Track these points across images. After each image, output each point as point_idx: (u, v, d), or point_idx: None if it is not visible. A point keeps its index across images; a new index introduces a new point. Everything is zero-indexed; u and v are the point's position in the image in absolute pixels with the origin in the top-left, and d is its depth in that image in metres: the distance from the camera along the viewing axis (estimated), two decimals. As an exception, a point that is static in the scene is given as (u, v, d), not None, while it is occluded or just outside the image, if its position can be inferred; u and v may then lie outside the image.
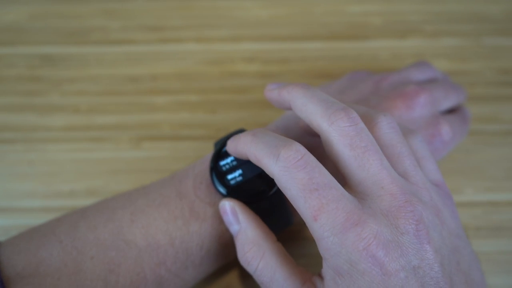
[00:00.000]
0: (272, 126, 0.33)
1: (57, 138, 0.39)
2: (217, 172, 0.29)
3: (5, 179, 0.38)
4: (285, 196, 0.29)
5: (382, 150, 0.26)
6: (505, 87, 0.41)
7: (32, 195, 0.37)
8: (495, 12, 0.45)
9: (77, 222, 0.28)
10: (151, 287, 0.27)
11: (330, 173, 0.24)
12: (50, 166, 0.38)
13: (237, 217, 0.28)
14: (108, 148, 0.39)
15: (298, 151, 0.24)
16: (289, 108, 0.28)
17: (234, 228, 0.28)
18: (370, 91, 0.35)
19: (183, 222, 0.28)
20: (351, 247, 0.22)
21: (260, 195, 0.28)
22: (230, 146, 0.28)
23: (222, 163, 0.29)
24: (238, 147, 0.27)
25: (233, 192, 0.28)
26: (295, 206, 0.24)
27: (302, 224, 0.35)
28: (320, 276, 0.25)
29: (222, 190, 0.28)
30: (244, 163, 0.29)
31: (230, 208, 0.28)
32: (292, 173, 0.24)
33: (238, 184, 0.29)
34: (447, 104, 0.35)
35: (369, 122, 0.26)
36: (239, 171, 0.29)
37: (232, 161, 0.29)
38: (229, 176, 0.29)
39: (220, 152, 0.29)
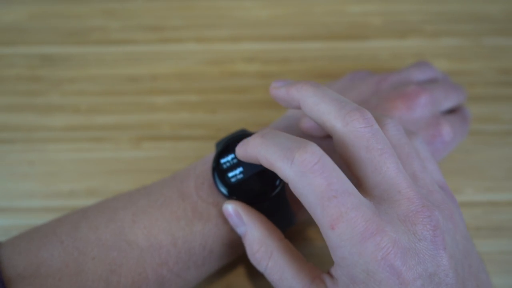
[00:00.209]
0: (273, 126, 0.33)
1: (57, 138, 0.39)
2: (219, 173, 0.29)
3: (5, 179, 0.38)
4: (288, 197, 0.29)
5: None
6: (505, 87, 0.41)
7: (32, 195, 0.37)
8: (495, 12, 0.45)
9: (78, 223, 0.28)
10: (152, 287, 0.27)
11: None
12: (50, 166, 0.38)
13: (241, 219, 0.28)
14: (108, 148, 0.39)
15: (314, 153, 0.23)
16: (297, 107, 0.27)
17: (240, 229, 0.28)
18: (370, 91, 0.35)
19: (186, 222, 0.28)
20: (369, 257, 0.22)
21: (263, 196, 0.28)
22: (240, 152, 0.27)
23: (223, 161, 0.29)
24: (248, 151, 0.26)
25: (235, 191, 0.28)
26: (310, 213, 0.23)
27: (303, 224, 0.35)
28: (329, 274, 0.25)
29: (224, 190, 0.28)
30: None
31: (233, 211, 0.28)
32: (309, 178, 0.22)
33: (239, 182, 0.29)
34: (447, 104, 0.35)
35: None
36: (239, 169, 0.29)
37: (232, 158, 0.29)
38: (230, 174, 0.29)
39: (221, 153, 0.29)
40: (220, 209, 0.29)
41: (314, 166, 0.23)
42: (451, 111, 0.37)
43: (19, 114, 0.40)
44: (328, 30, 0.44)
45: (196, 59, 0.43)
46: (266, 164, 0.25)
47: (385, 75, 0.36)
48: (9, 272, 0.26)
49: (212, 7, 0.45)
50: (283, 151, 0.23)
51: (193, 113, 0.41)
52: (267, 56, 0.43)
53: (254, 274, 0.34)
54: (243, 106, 0.41)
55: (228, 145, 0.29)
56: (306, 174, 0.23)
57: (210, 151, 0.37)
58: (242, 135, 0.30)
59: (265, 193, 0.28)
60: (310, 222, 0.36)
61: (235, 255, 0.31)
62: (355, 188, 0.23)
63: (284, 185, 0.29)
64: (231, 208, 0.28)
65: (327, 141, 0.32)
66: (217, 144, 0.30)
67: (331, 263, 0.26)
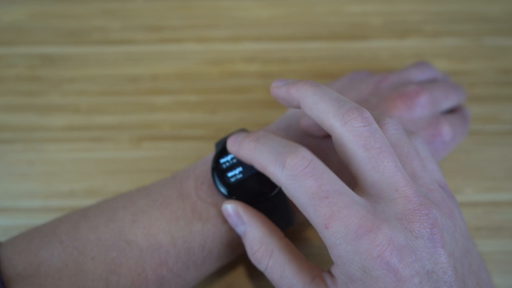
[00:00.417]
0: (273, 126, 0.33)
1: (57, 138, 0.39)
2: (218, 173, 0.29)
3: (5, 179, 0.38)
4: (287, 197, 0.29)
5: None
6: (505, 87, 0.41)
7: (32, 195, 0.37)
8: (495, 12, 0.45)
9: (78, 223, 0.28)
10: (152, 287, 0.27)
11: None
12: (50, 166, 0.38)
13: (241, 218, 0.28)
14: (108, 148, 0.39)
15: (304, 157, 0.23)
16: (297, 106, 0.27)
17: (240, 229, 0.28)
18: (370, 91, 0.35)
19: (186, 222, 0.28)
20: (365, 254, 0.22)
21: (262, 196, 0.28)
22: (232, 147, 0.28)
23: (222, 160, 0.29)
24: (241, 152, 0.26)
25: (234, 191, 0.28)
26: (305, 214, 0.24)
27: (302, 225, 0.35)
28: (329, 273, 0.25)
29: (223, 190, 0.28)
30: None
31: (232, 210, 0.28)
32: (300, 181, 0.23)
33: (239, 182, 0.29)
34: (447, 104, 0.35)
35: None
36: (239, 169, 0.29)
37: (232, 158, 0.29)
38: (229, 174, 0.29)
39: (221, 153, 0.29)
40: (219, 209, 0.29)
41: (305, 170, 0.23)
42: (451, 111, 0.37)
43: (19, 114, 0.40)
44: (328, 30, 0.44)
45: (196, 59, 0.43)
46: (259, 168, 0.25)
47: (385, 75, 0.36)
48: (9, 272, 0.26)
49: (212, 7, 0.45)
50: (274, 156, 0.24)
51: (193, 113, 0.41)
52: (267, 56, 0.43)
53: (254, 274, 0.34)
54: (243, 106, 0.41)
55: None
56: (297, 178, 0.23)
57: (210, 151, 0.37)
58: (242, 135, 0.30)
59: (264, 193, 0.28)
60: (308, 222, 0.36)
61: (235, 255, 0.31)
62: (347, 188, 0.23)
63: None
64: (230, 208, 0.28)
65: (327, 140, 0.32)
66: (217, 144, 0.30)
67: (330, 263, 0.26)
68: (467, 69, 0.42)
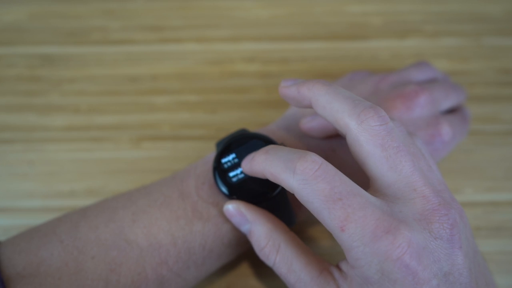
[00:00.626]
0: (273, 126, 0.33)
1: (57, 138, 0.39)
2: (220, 172, 0.29)
3: (5, 179, 0.38)
4: (288, 197, 0.29)
5: None
6: (505, 87, 0.41)
7: (32, 195, 0.37)
8: (495, 12, 0.45)
9: (78, 222, 0.28)
10: (152, 286, 0.27)
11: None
12: (50, 166, 0.38)
13: (244, 217, 0.28)
14: (108, 148, 0.39)
15: (314, 161, 0.23)
16: (308, 106, 0.27)
17: (245, 228, 0.28)
18: (369, 91, 0.35)
19: (186, 222, 0.28)
20: (384, 256, 0.22)
21: (263, 195, 0.28)
22: (246, 167, 0.27)
23: (224, 160, 0.29)
24: (254, 167, 0.26)
25: (236, 191, 0.28)
26: (319, 219, 0.23)
27: (304, 224, 0.35)
28: (338, 267, 0.25)
29: (225, 190, 0.28)
30: None
31: (235, 210, 0.28)
32: (312, 185, 0.23)
33: (240, 182, 0.29)
34: (447, 104, 0.35)
35: None
36: (240, 169, 0.29)
37: (233, 158, 0.29)
38: (231, 174, 0.29)
39: (222, 152, 0.29)
40: (220, 209, 0.29)
41: (316, 173, 0.23)
42: (451, 111, 0.37)
43: (19, 114, 0.40)
44: (328, 30, 0.44)
45: (196, 59, 0.43)
46: (272, 178, 0.25)
47: (385, 75, 0.36)
48: (8, 271, 0.26)
49: (212, 7, 0.45)
50: (285, 163, 0.24)
51: (193, 113, 0.41)
52: (267, 56, 0.43)
53: (254, 274, 0.34)
54: (243, 106, 0.41)
55: (229, 144, 0.29)
56: (309, 182, 0.23)
57: (210, 151, 0.37)
58: (242, 134, 0.30)
59: (266, 192, 0.28)
60: (310, 222, 0.36)
61: (235, 254, 0.31)
62: (361, 189, 0.23)
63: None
64: (232, 207, 0.28)
65: (327, 141, 0.32)
66: (218, 144, 0.30)
67: (333, 262, 0.26)
68: (467, 69, 0.42)
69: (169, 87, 0.42)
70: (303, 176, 0.23)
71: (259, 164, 0.26)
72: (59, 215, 0.30)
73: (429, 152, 0.28)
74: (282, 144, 0.29)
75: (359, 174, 0.28)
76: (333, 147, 0.32)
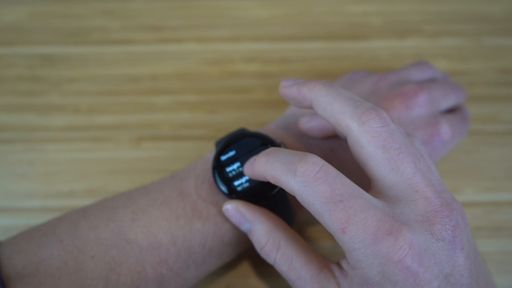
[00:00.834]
0: (272, 126, 0.33)
1: (57, 138, 0.39)
2: (219, 171, 0.29)
3: (5, 179, 0.38)
4: (287, 196, 0.29)
5: None
6: (505, 87, 0.41)
7: (32, 195, 0.37)
8: (495, 12, 0.45)
9: (77, 222, 0.28)
10: (152, 286, 0.27)
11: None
12: (50, 166, 0.38)
13: (244, 216, 0.28)
14: (108, 148, 0.39)
15: (315, 163, 0.23)
16: (308, 107, 0.27)
17: (245, 227, 0.28)
18: (369, 91, 0.35)
19: (186, 221, 0.28)
20: (385, 258, 0.22)
21: (263, 195, 0.28)
22: (247, 170, 0.27)
23: (223, 159, 0.29)
24: (255, 170, 0.26)
25: (235, 190, 0.28)
26: (321, 221, 0.23)
27: (303, 224, 0.35)
28: (338, 264, 0.25)
29: (224, 189, 0.28)
30: None
31: (234, 210, 0.28)
32: (313, 187, 0.23)
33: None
34: (446, 103, 0.35)
35: None
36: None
37: (233, 157, 0.29)
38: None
39: (221, 152, 0.29)
40: (219, 208, 0.29)
41: (316, 175, 0.23)
42: (451, 111, 0.36)
43: (19, 114, 0.40)
44: (328, 30, 0.44)
45: (196, 59, 0.43)
46: (273, 180, 0.25)
47: (384, 74, 0.36)
48: (8, 270, 0.26)
49: (212, 7, 0.45)
50: (286, 165, 0.24)
51: (193, 113, 0.41)
52: (267, 56, 0.43)
53: (254, 274, 0.34)
54: (243, 106, 0.41)
55: (228, 144, 0.29)
56: (310, 184, 0.23)
57: (210, 151, 0.37)
58: (241, 134, 0.30)
59: (265, 191, 0.28)
60: (310, 222, 0.36)
61: (235, 254, 0.31)
62: (362, 191, 0.23)
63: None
64: (231, 207, 0.28)
65: (325, 141, 0.32)
66: (217, 143, 0.30)
67: (334, 261, 0.26)
68: (467, 69, 0.42)
69: (169, 87, 0.42)
70: (304, 178, 0.23)
71: (260, 167, 0.26)
72: (59, 215, 0.30)
73: (428, 153, 0.28)
74: (282, 143, 0.29)
75: (359, 174, 0.28)
76: (332, 146, 0.32)
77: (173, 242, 0.28)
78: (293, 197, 0.30)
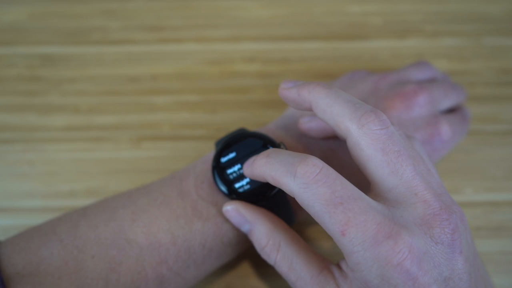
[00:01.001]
0: (272, 126, 0.33)
1: (57, 138, 0.39)
2: (219, 171, 0.29)
3: (5, 179, 0.38)
4: (287, 196, 0.29)
5: None
6: (505, 87, 0.41)
7: (32, 195, 0.37)
8: (495, 12, 0.45)
9: (77, 221, 0.28)
10: (152, 285, 0.27)
11: None
12: (50, 166, 0.38)
13: (244, 217, 0.28)
14: (108, 148, 0.39)
15: (315, 165, 0.23)
16: (308, 109, 0.27)
17: (245, 227, 0.28)
18: (369, 91, 0.35)
19: (186, 221, 0.28)
20: (384, 261, 0.22)
21: (262, 195, 0.28)
22: (247, 170, 0.27)
23: (223, 159, 0.29)
24: (254, 170, 0.26)
25: (235, 190, 0.28)
26: (320, 223, 0.23)
27: (303, 224, 0.35)
28: (338, 266, 0.25)
29: (224, 189, 0.28)
30: None
31: (234, 211, 0.28)
32: (313, 189, 0.23)
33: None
34: (446, 103, 0.35)
35: None
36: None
37: (233, 157, 0.29)
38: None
39: (221, 151, 0.29)
40: (219, 208, 0.29)
41: (316, 177, 0.23)
42: (451, 111, 0.36)
43: (19, 114, 0.40)
44: (328, 30, 0.44)
45: (196, 59, 0.43)
46: (272, 182, 0.25)
47: (384, 74, 0.36)
48: (8, 270, 0.26)
49: (212, 7, 0.45)
50: (286, 167, 0.24)
51: (193, 113, 0.41)
52: (267, 56, 0.43)
53: (254, 274, 0.34)
54: (243, 106, 0.41)
55: (227, 144, 0.29)
56: (309, 185, 0.23)
57: (210, 151, 0.37)
58: (241, 134, 0.30)
59: (265, 191, 0.28)
60: (310, 222, 0.36)
61: (235, 254, 0.31)
62: (362, 193, 0.23)
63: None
64: (231, 208, 0.28)
65: (325, 141, 0.32)
66: (217, 143, 0.30)
67: (333, 261, 0.26)
68: (467, 69, 0.42)
69: (169, 87, 0.42)
70: (303, 180, 0.23)
71: (260, 167, 0.25)
72: (59, 215, 0.30)
73: (427, 155, 0.28)
74: (281, 143, 0.29)
75: (359, 176, 0.28)
76: (332, 147, 0.32)
77: (173, 242, 0.28)
78: (293, 198, 0.30)
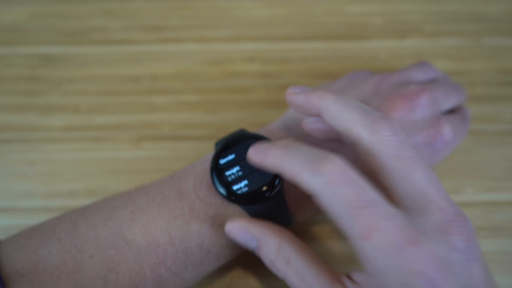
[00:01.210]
0: (273, 127, 0.33)
1: (57, 138, 0.39)
2: (217, 173, 0.29)
3: (5, 179, 0.38)
4: (285, 197, 0.29)
5: None
6: (505, 87, 0.41)
7: (32, 195, 0.37)
8: (495, 12, 0.45)
9: (77, 221, 0.28)
10: (150, 286, 0.27)
11: None
12: (50, 166, 0.38)
13: (249, 234, 0.27)
14: (108, 148, 0.39)
15: (339, 164, 0.23)
16: (315, 114, 0.27)
17: (252, 244, 0.27)
18: (371, 91, 0.34)
19: (183, 221, 0.28)
20: (407, 269, 0.21)
21: (260, 197, 0.28)
22: (255, 156, 0.26)
23: (221, 161, 0.29)
24: (267, 160, 0.25)
25: (233, 192, 0.28)
26: (339, 224, 0.23)
27: (301, 225, 0.35)
28: (349, 277, 0.24)
29: (222, 190, 0.28)
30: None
31: (238, 230, 0.27)
32: (336, 189, 0.22)
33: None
34: (448, 104, 0.35)
35: None
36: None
37: (232, 158, 0.29)
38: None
39: (220, 153, 0.29)
40: (217, 209, 0.29)
41: (340, 177, 0.22)
42: (451, 111, 0.36)
43: (19, 114, 0.40)
44: (328, 30, 0.44)
45: (196, 59, 0.43)
46: (289, 175, 0.24)
47: (386, 75, 0.35)
48: (7, 269, 0.26)
49: (212, 7, 0.45)
50: (307, 163, 0.23)
51: (193, 113, 0.41)
52: (267, 56, 0.43)
53: (254, 274, 0.34)
54: (243, 106, 0.41)
55: (227, 145, 0.29)
56: (333, 185, 0.22)
57: (210, 151, 0.37)
58: (241, 135, 0.30)
59: (264, 193, 0.28)
60: (310, 222, 0.36)
61: (234, 255, 0.31)
62: (382, 198, 0.23)
63: (282, 185, 0.29)
64: (235, 227, 0.27)
65: (327, 143, 0.32)
66: (216, 144, 0.30)
67: (334, 262, 0.26)
68: (467, 69, 0.42)
69: (169, 87, 0.42)
70: (327, 179, 0.22)
71: (274, 158, 0.25)
72: (59, 214, 0.30)
73: (429, 156, 0.28)
74: None
75: None
76: (335, 148, 0.31)
77: (170, 243, 0.28)
78: (291, 199, 0.30)
